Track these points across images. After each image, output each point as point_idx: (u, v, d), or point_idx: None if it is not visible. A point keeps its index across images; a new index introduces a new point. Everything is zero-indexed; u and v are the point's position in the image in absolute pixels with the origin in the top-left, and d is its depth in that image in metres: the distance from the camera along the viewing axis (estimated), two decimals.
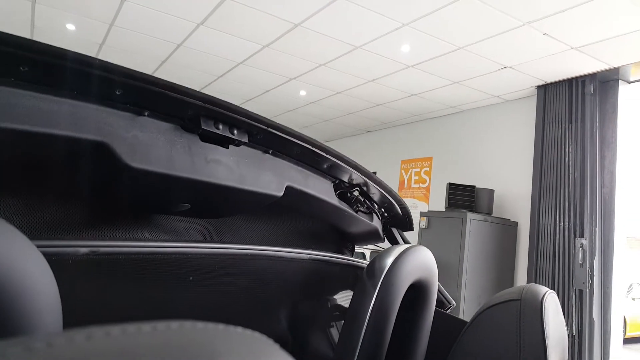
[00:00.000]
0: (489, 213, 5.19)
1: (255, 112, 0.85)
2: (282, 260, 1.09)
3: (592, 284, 4.33)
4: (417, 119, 6.88)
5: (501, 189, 5.40)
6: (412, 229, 1.53)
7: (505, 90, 5.32)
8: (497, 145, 5.68)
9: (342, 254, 1.42)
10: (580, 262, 4.35)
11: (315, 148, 1.00)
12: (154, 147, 0.72)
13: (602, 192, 4.51)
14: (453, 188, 5.22)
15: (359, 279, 1.00)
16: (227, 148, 0.85)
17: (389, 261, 0.96)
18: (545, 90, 4.96)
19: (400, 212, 1.42)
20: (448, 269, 4.84)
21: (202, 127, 0.78)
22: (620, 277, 4.51)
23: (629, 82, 4.69)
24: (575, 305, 4.36)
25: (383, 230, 1.42)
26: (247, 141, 0.86)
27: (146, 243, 0.82)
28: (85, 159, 0.70)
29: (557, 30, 3.79)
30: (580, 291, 4.36)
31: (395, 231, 1.48)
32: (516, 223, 5.27)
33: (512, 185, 5.36)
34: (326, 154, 1.04)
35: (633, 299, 11.45)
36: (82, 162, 0.71)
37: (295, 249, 1.11)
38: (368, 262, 1.03)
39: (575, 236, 4.44)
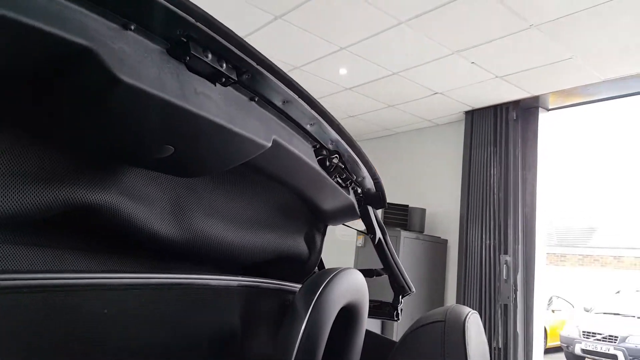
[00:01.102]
0: (421, 231, 5.38)
1: None
2: (207, 290, 1.01)
3: (515, 299, 4.58)
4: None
5: (432, 208, 5.62)
6: (385, 206, 1.45)
7: (436, 115, 5.58)
8: (429, 166, 5.92)
9: (315, 236, 1.34)
10: (504, 277, 4.60)
11: (303, 99, 0.94)
12: (142, 65, 0.65)
13: (524, 211, 4.82)
14: (388, 207, 5.36)
15: (290, 304, 1.00)
16: (215, 85, 0.77)
17: (320, 286, 0.98)
18: (473, 116, 5.26)
19: (374, 187, 1.34)
20: (382, 286, 4.93)
21: (191, 51, 0.70)
22: (541, 291, 4.81)
23: (548, 110, 5.08)
24: (501, 320, 4.59)
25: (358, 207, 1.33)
26: (235, 79, 0.79)
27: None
28: (69, 67, 0.61)
29: (484, 60, 4.05)
30: (505, 306, 4.60)
31: (370, 210, 1.40)
32: (446, 241, 5.49)
33: (442, 204, 5.59)
34: (312, 107, 0.97)
35: (553, 311, 12.21)
36: (66, 72, 0.62)
37: (221, 276, 1.04)
38: (299, 287, 1.04)
39: (500, 253, 4.70)
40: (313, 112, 0.99)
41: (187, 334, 0.94)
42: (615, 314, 11.61)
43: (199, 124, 0.73)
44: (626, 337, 9.93)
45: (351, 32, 3.81)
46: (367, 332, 1.21)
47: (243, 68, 0.79)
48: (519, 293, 4.60)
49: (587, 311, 12.24)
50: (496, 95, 4.80)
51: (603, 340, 10.16)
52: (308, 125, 1.01)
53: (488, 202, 4.88)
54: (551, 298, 12.66)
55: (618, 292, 12.71)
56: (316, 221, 1.34)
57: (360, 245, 5.40)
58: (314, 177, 1.08)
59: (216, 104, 0.75)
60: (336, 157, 1.14)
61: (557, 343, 11.36)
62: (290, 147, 0.94)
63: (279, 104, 0.91)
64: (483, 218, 4.89)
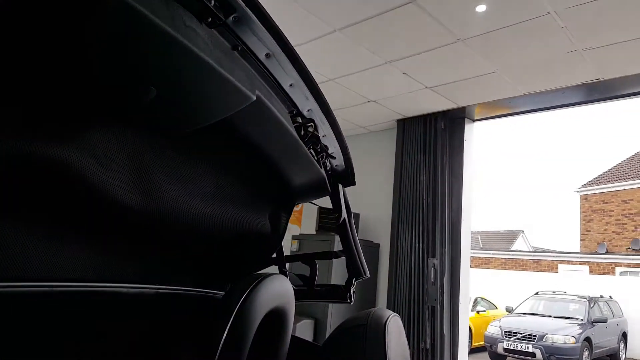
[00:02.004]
0: None
1: None
2: (120, 299, 0.93)
3: (442, 301, 4.76)
4: None
5: (366, 213, 5.73)
6: (354, 184, 1.39)
7: (370, 122, 5.71)
8: (363, 172, 6.02)
9: (281, 215, 1.25)
10: (432, 280, 4.77)
11: (286, 53, 0.88)
12: None
13: (450, 216, 5.03)
14: (323, 212, 5.42)
15: (211, 312, 0.97)
16: (201, 23, 0.70)
17: (243, 292, 0.96)
18: (404, 124, 5.43)
19: (344, 163, 1.28)
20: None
21: None
22: (466, 293, 5.03)
23: (474, 120, 5.35)
24: (429, 321, 4.75)
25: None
26: (223, 19, 0.72)
27: None
28: None
29: (414, 71, 4.20)
30: (433, 307, 4.77)
31: (340, 188, 1.33)
32: (378, 245, 5.62)
33: (375, 209, 5.72)
34: (294, 64, 0.91)
35: (478, 312, 12.81)
36: None
37: (137, 284, 0.97)
38: (223, 294, 1.02)
39: (428, 257, 4.87)
40: (294, 71, 0.93)
41: (95, 343, 0.89)
42: (534, 314, 12.39)
43: (187, 60, 0.65)
44: (543, 336, 10.60)
45: (288, 37, 3.80)
46: (293, 337, 1.21)
47: (231, 8, 0.73)
48: (445, 295, 4.78)
49: (509, 312, 12.97)
50: (426, 105, 4.99)
51: (523, 339, 10.79)
52: (288, 86, 0.95)
53: (417, 207, 5.05)
54: (476, 299, 13.29)
55: (537, 293, 13.59)
56: (284, 198, 1.25)
57: (295, 249, 5.40)
58: (290, 145, 1.00)
59: (205, 42, 0.68)
60: (311, 125, 1.07)
61: (482, 343, 11.92)
62: (271, 106, 0.86)
63: (261, 56, 0.86)
64: (413, 223, 5.05)
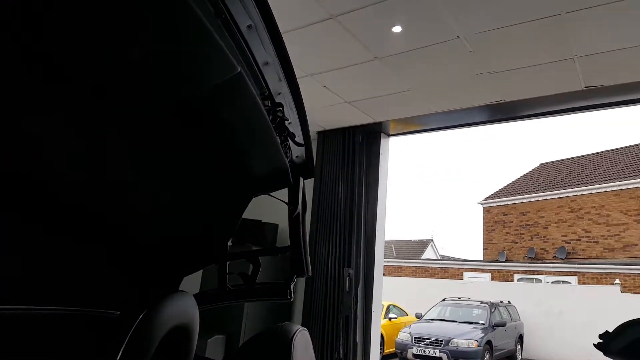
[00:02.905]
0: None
1: None
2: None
3: (356, 310, 4.87)
4: None
5: (284, 224, 5.73)
6: (312, 176, 1.28)
7: None
8: None
9: (234, 209, 1.13)
10: (347, 289, 4.87)
11: (268, 27, 0.81)
12: None
13: (366, 227, 5.18)
14: (241, 223, 5.34)
15: (110, 331, 0.92)
16: None
17: (141, 311, 0.91)
18: (324, 136, 5.53)
19: (305, 153, 1.20)
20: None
21: None
22: (379, 301, 5.19)
23: (389, 135, 5.57)
24: (342, 330, 4.83)
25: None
26: None
27: None
28: None
29: (334, 85, 4.30)
30: (347, 316, 4.86)
31: (301, 180, 1.24)
32: (260, 264, 5.62)
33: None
34: (274, 39, 0.84)
35: (390, 319, 13.25)
36: None
37: (26, 305, 0.88)
38: (119, 313, 0.96)
39: (344, 266, 4.97)
40: (272, 48, 0.86)
41: None
42: (441, 319, 13.06)
43: (183, 16, 0.60)
44: (449, 340, 11.20)
45: None
46: (197, 356, 1.17)
47: None
48: (359, 304, 4.90)
49: (419, 318, 13.56)
50: (345, 119, 5.12)
51: (431, 345, 11.32)
52: (263, 64, 0.88)
53: (335, 218, 5.15)
54: (389, 307, 13.75)
55: (444, 299, 14.34)
56: (244, 188, 1.16)
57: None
58: (261, 130, 0.92)
59: (196, 2, 0.63)
60: (280, 110, 0.99)
61: (394, 349, 12.32)
62: (249, 84, 0.80)
63: (243, 27, 0.79)
64: (330, 233, 5.13)
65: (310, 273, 1.43)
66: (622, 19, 3.05)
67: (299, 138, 1.16)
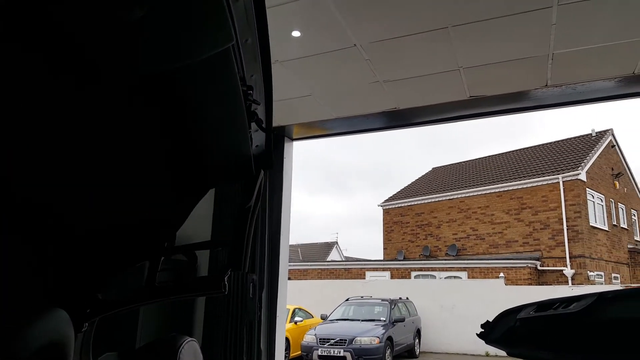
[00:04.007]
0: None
1: None
2: None
3: (260, 315, 4.83)
4: None
5: (185, 231, 5.52)
6: (271, 167, 1.20)
7: None
8: None
9: (187, 202, 1.03)
10: (251, 295, 4.81)
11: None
12: None
13: (270, 232, 5.15)
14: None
15: None
16: None
17: (4, 329, 0.82)
18: None
19: (264, 143, 1.12)
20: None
21: None
22: (283, 306, 5.18)
23: (292, 139, 5.60)
24: (246, 337, 4.76)
25: None
26: None
27: None
28: None
29: None
30: (251, 322, 4.79)
31: (261, 174, 1.15)
32: (196, 259, 5.45)
33: (194, 225, 5.55)
34: (259, 14, 0.76)
35: (295, 322, 13.33)
36: None
37: None
38: None
39: (248, 272, 4.90)
40: (256, 23, 0.78)
41: None
42: (345, 319, 13.40)
43: None
44: (353, 339, 11.52)
45: None
46: None
47: None
48: (263, 309, 4.86)
49: (324, 319, 13.79)
50: None
51: (335, 345, 11.57)
52: (243, 41, 0.79)
53: None
54: (294, 310, 13.83)
55: (347, 299, 14.74)
56: (202, 179, 1.04)
57: None
58: (235, 112, 0.83)
59: None
60: (251, 94, 0.91)
61: (300, 352, 12.40)
62: (234, 61, 0.71)
63: None
64: None
65: (246, 269, 1.38)
66: (501, 35, 3.36)
67: (264, 125, 1.09)
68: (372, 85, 4.11)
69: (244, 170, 1.11)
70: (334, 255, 32.35)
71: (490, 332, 1.04)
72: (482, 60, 3.69)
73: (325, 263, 23.18)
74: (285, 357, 12.36)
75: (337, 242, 33.59)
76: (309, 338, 12.04)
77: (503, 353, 14.32)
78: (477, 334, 1.09)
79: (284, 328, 5.25)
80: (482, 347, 14.98)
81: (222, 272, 1.38)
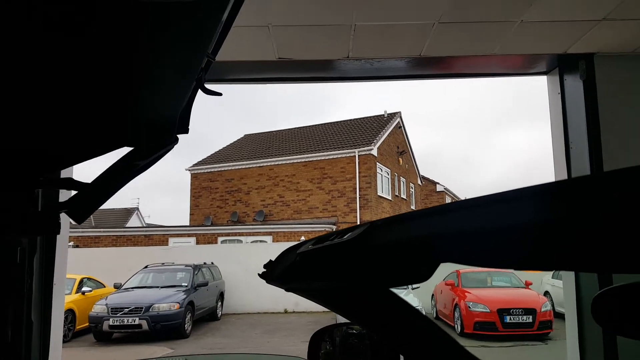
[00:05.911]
0: None
1: None
2: None
3: (31, 284, 4.16)
4: None
5: None
6: (187, 132, 1.09)
7: None
8: None
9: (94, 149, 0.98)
10: (18, 262, 4.10)
11: None
12: None
13: None
14: None
15: None
16: None
17: None
18: None
19: (185, 104, 1.03)
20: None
21: None
22: (63, 275, 4.56)
23: None
24: (14, 309, 4.07)
25: None
26: None
27: None
28: None
29: None
30: (19, 293, 4.10)
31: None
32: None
33: None
34: None
35: (83, 293, 12.15)
36: None
37: None
38: None
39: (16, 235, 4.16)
40: None
41: None
42: (142, 287, 12.72)
43: None
44: (150, 306, 11.02)
45: None
46: None
47: None
48: (35, 278, 4.20)
49: (117, 288, 12.88)
50: None
51: (129, 313, 10.91)
52: None
53: None
54: (82, 280, 12.60)
55: (146, 267, 14.01)
56: (113, 128, 0.94)
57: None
58: (189, 66, 0.79)
59: None
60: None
61: (87, 324, 11.39)
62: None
63: None
64: None
65: (79, 222, 1.22)
66: None
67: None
68: None
69: (164, 135, 1.02)
70: (134, 222, 30.43)
71: (271, 271, 1.01)
72: (291, 20, 3.67)
73: (123, 229, 21.52)
74: (70, 329, 11.21)
75: (137, 208, 31.61)
76: (98, 308, 11.08)
77: (300, 308, 15.55)
78: (259, 274, 1.06)
79: (62, 298, 4.63)
80: (282, 305, 15.93)
81: (56, 209, 1.20)
